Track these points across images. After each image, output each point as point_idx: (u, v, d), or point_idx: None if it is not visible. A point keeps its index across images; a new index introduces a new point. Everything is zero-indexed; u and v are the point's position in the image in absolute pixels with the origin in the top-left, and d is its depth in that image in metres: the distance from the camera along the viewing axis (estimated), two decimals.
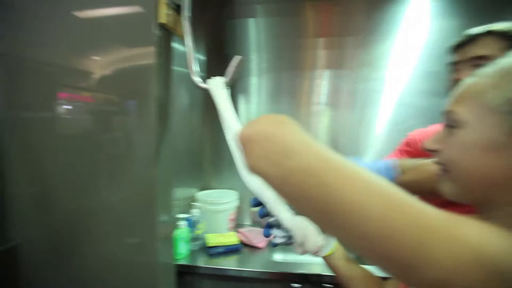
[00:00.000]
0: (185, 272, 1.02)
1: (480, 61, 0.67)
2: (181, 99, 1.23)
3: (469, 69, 0.69)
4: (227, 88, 0.67)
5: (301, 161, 0.27)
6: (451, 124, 0.36)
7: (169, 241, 0.85)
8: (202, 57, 1.45)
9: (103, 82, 0.76)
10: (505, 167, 0.31)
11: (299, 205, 0.28)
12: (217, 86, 0.66)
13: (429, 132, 0.84)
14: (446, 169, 0.37)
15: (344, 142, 1.47)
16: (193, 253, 1.10)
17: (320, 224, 0.28)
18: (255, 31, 1.50)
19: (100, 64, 0.76)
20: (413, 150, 0.89)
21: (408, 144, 0.92)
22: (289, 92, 1.50)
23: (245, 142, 0.31)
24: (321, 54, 1.47)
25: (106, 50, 0.75)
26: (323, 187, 0.26)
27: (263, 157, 0.29)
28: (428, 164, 0.58)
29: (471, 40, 0.69)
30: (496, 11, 1.34)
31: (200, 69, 0.73)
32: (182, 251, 1.04)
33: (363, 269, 0.60)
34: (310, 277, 0.98)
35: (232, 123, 0.56)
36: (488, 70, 0.35)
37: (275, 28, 1.48)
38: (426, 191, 0.52)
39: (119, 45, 0.74)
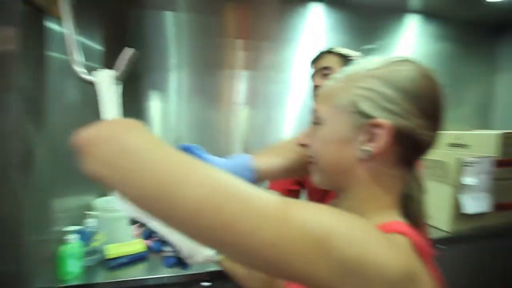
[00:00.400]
0: None
1: (325, 71, 0.92)
2: (68, 93, 1.05)
3: (320, 77, 0.93)
4: (118, 83, 0.59)
5: (140, 163, 0.27)
6: (316, 121, 0.42)
7: (49, 263, 0.72)
8: (99, 47, 1.27)
9: None
10: (350, 158, 0.38)
11: (140, 206, 0.28)
12: (105, 80, 0.58)
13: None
14: (314, 160, 0.42)
15: (253, 142, 1.54)
16: (89, 270, 0.97)
17: (164, 222, 0.28)
18: (174, 25, 1.40)
19: None
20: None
21: None
22: (206, 91, 1.48)
23: (84, 144, 0.29)
24: (239, 55, 1.50)
25: None
26: (161, 185, 0.26)
27: (102, 160, 0.28)
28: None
29: (319, 56, 0.95)
30: (368, 32, 1.63)
31: (98, 61, 0.63)
32: (73, 270, 0.90)
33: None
34: (220, 273, 0.99)
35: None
36: (339, 75, 0.41)
37: (195, 25, 1.43)
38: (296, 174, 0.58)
39: None
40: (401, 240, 0.33)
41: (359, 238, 0.28)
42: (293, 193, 1.06)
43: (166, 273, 0.96)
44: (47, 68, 0.73)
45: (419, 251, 0.33)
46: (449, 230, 1.31)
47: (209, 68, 1.47)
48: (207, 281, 0.98)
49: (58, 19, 0.69)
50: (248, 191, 0.27)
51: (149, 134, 0.29)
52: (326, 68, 0.92)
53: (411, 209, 0.42)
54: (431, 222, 1.39)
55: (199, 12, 1.43)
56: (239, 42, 1.49)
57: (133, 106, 1.37)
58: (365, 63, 0.40)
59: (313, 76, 0.96)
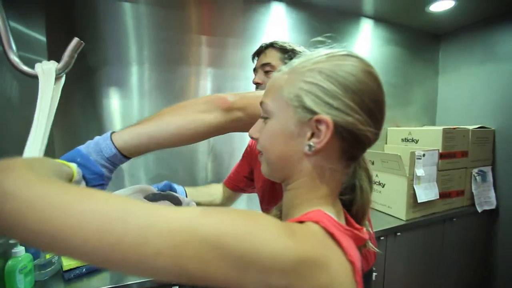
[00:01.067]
0: None
1: (266, 67, 0.85)
2: (6, 87, 0.93)
3: (261, 73, 0.87)
4: (62, 76, 0.54)
5: (15, 202, 0.25)
6: (264, 114, 0.42)
7: None
8: (40, 38, 1.15)
9: None
10: (296, 151, 0.38)
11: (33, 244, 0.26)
12: (47, 73, 0.53)
13: None
14: (262, 153, 0.43)
15: (218, 139, 1.52)
16: (42, 284, 0.87)
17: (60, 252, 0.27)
18: (133, 18, 1.32)
19: None
20: (248, 158, 1.03)
21: (246, 150, 1.06)
22: (169, 88, 1.41)
23: None
24: (204, 51, 1.46)
25: None
26: (39, 222, 0.25)
27: None
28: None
29: (260, 51, 0.89)
30: (332, 33, 1.73)
31: (39, 53, 0.56)
32: (21, 286, 0.80)
33: None
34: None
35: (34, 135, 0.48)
36: (286, 68, 0.41)
37: (157, 18, 1.35)
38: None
39: None
40: (313, 227, 0.34)
41: (251, 232, 0.28)
42: (242, 190, 1.06)
43: (133, 280, 0.90)
44: None
45: (333, 236, 0.34)
46: (405, 218, 1.43)
47: (171, 64, 1.41)
48: (175, 285, 0.94)
49: None
50: (130, 207, 0.27)
51: (27, 170, 0.28)
52: (267, 64, 0.85)
53: (358, 198, 0.43)
54: (390, 211, 1.51)
55: (161, 6, 1.37)
56: (203, 38, 1.46)
57: (89, 102, 1.26)
58: (310, 55, 0.39)
59: (254, 72, 0.91)
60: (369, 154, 1.59)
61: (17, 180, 0.26)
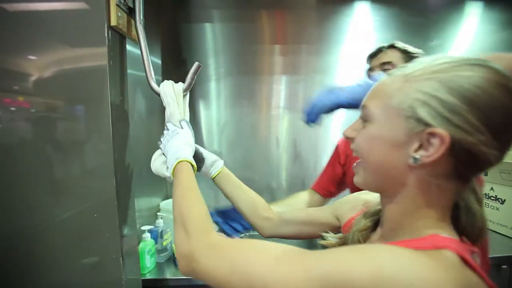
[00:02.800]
0: (153, 287, 0.97)
1: (387, 65, 0.88)
2: (138, 104, 1.17)
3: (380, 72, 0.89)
4: (185, 95, 0.66)
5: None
6: (365, 118, 0.40)
7: (134, 256, 0.80)
8: (157, 61, 1.40)
9: (46, 86, 0.69)
10: (400, 163, 0.35)
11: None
12: (175, 93, 0.65)
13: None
14: (358, 155, 0.41)
15: (303, 144, 1.53)
16: (160, 266, 1.05)
17: None
18: (211, 36, 1.49)
19: (41, 66, 0.68)
20: (339, 154, 1.03)
21: (336, 151, 1.05)
22: (247, 97, 1.52)
23: None
24: (278, 60, 1.52)
25: (49, 50, 0.68)
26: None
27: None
28: None
29: (380, 51, 0.92)
30: (423, 28, 1.54)
31: (155, 72, 0.71)
32: (148, 265, 0.99)
33: (250, 194, 0.71)
34: None
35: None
36: (397, 72, 0.38)
37: (232, 34, 1.49)
38: None
39: (64, 45, 0.68)
40: (448, 256, 0.31)
41: (379, 279, 0.28)
42: (332, 195, 1.04)
43: None
44: (127, 83, 0.82)
45: (469, 264, 0.31)
46: None
47: (246, 75, 1.51)
48: None
49: (134, 41, 0.78)
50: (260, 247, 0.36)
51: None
52: (387, 63, 0.87)
53: (467, 222, 0.38)
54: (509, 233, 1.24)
55: (235, 22, 1.48)
56: (278, 48, 1.51)
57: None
58: (427, 62, 0.36)
59: (369, 72, 0.92)
60: None
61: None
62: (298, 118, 1.56)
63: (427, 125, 0.33)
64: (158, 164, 0.66)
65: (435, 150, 0.32)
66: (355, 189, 0.93)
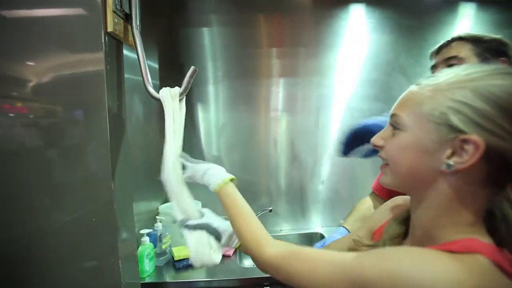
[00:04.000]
0: None
1: (453, 60, 0.76)
2: (135, 108, 1.18)
3: (445, 68, 0.74)
4: (181, 99, 0.67)
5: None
6: (394, 125, 0.41)
7: (133, 260, 0.80)
8: (154, 65, 1.41)
9: (44, 91, 0.69)
10: (431, 168, 0.37)
11: None
12: (171, 97, 0.66)
13: None
14: (387, 162, 0.42)
15: (301, 145, 1.54)
16: (159, 269, 1.05)
17: None
18: (209, 40, 1.50)
19: (39, 71, 0.69)
20: None
21: None
22: (245, 100, 1.53)
23: None
24: (275, 63, 1.53)
25: (45, 55, 0.69)
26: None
27: None
28: None
29: (446, 45, 0.81)
30: (417, 30, 1.56)
31: (152, 77, 0.72)
32: (147, 269, 0.99)
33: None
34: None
35: (170, 141, 0.61)
36: (428, 82, 0.39)
37: (230, 38, 1.51)
38: None
39: (61, 50, 0.69)
40: (479, 259, 0.31)
41: (418, 281, 0.30)
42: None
43: (228, 276, 1.00)
44: (124, 88, 0.83)
45: (502, 269, 0.31)
46: None
47: (244, 78, 1.52)
48: (268, 285, 0.99)
49: (131, 47, 0.79)
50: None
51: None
52: (454, 57, 0.76)
53: (507, 232, 0.38)
54: None
55: (232, 26, 1.49)
56: (275, 51, 1.52)
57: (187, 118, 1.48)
58: (457, 72, 0.37)
59: (433, 69, 0.83)
60: None
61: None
62: (296, 120, 1.59)
63: (460, 131, 0.34)
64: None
65: (469, 157, 0.33)
66: None
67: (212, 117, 1.52)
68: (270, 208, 1.40)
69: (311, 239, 1.48)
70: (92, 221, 0.69)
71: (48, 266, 0.70)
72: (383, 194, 0.90)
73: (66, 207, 0.70)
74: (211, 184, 0.59)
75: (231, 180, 0.59)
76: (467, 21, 1.61)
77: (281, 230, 1.53)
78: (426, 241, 0.39)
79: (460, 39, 0.78)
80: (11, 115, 0.70)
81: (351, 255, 0.38)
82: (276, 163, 1.54)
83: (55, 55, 0.69)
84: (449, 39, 0.81)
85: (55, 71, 0.69)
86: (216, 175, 0.59)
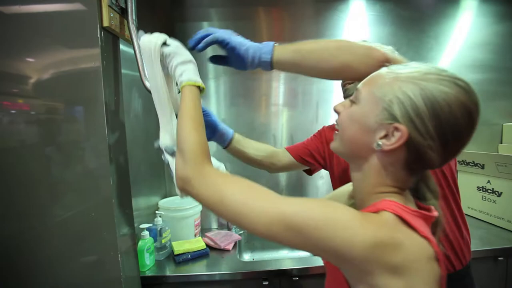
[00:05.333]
0: (152, 284, 0.98)
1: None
2: (134, 103, 1.17)
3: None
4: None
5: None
6: (354, 98, 0.46)
7: (133, 254, 0.81)
8: None
9: (40, 87, 0.69)
10: (366, 144, 0.42)
11: None
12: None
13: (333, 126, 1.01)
14: (338, 127, 0.47)
15: (301, 140, 1.53)
16: (160, 263, 1.07)
17: None
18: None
19: (35, 67, 0.69)
20: (322, 137, 1.05)
21: (319, 132, 1.07)
22: (245, 94, 1.52)
23: None
24: None
25: (41, 51, 0.69)
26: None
27: None
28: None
29: None
30: (418, 22, 1.55)
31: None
32: (148, 263, 1.00)
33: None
34: (279, 272, 1.01)
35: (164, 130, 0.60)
36: (394, 69, 0.43)
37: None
38: None
39: (57, 46, 0.68)
40: (385, 215, 0.38)
41: (327, 224, 0.35)
42: (305, 162, 1.04)
43: (227, 270, 1.01)
44: (122, 83, 0.83)
45: (403, 218, 0.37)
46: None
47: (244, 73, 1.51)
48: (268, 279, 1.00)
49: (127, 41, 0.79)
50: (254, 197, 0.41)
51: None
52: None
53: (424, 207, 0.44)
54: (510, 226, 1.25)
55: (232, 20, 1.48)
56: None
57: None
58: (420, 68, 0.41)
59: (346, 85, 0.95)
60: (480, 156, 1.35)
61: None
62: (296, 114, 1.58)
63: (396, 120, 0.39)
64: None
65: (395, 141, 0.39)
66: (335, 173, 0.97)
67: (212, 112, 1.52)
68: None
69: None
70: (91, 216, 0.70)
71: (48, 261, 0.71)
72: (293, 153, 1.02)
73: (66, 203, 0.71)
74: (182, 78, 0.54)
75: (200, 88, 0.55)
76: (469, 13, 1.59)
77: None
78: (359, 206, 0.46)
79: None
80: (9, 111, 0.70)
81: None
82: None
83: (51, 51, 0.69)
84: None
85: (51, 67, 0.69)
86: (191, 72, 0.55)
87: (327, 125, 1.07)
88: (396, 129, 0.39)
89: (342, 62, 0.55)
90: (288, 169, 1.04)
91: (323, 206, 0.37)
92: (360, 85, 0.45)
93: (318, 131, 1.08)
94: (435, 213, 0.42)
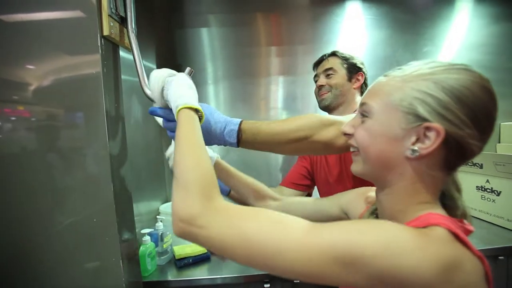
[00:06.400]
0: None
1: (329, 71, 1.03)
2: (134, 110, 1.19)
3: (323, 77, 1.05)
4: None
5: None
6: (364, 113, 0.43)
7: (135, 260, 0.81)
8: (152, 66, 1.42)
9: (41, 94, 0.70)
10: (397, 154, 0.39)
11: None
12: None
13: None
14: (356, 150, 0.44)
15: None
16: (161, 268, 1.07)
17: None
18: (207, 40, 1.51)
19: (36, 74, 0.70)
20: (306, 159, 1.13)
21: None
22: (245, 99, 1.54)
23: None
24: (274, 61, 1.54)
25: (42, 58, 0.70)
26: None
27: None
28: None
29: (323, 59, 1.08)
30: (414, 25, 1.57)
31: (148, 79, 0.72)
32: (149, 268, 1.00)
33: (249, 180, 0.74)
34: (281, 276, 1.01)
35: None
36: (396, 74, 0.42)
37: (228, 37, 1.51)
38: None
39: (58, 53, 0.70)
40: (438, 231, 0.34)
41: (387, 250, 0.30)
42: (301, 187, 1.09)
43: (229, 273, 1.01)
44: (122, 90, 0.84)
45: (457, 236, 0.34)
46: None
47: (243, 77, 1.52)
48: (269, 282, 1.01)
49: (127, 49, 0.80)
50: (275, 218, 0.35)
51: None
52: (330, 69, 1.02)
53: (450, 208, 0.43)
54: (509, 225, 1.25)
55: (230, 25, 1.50)
56: (273, 49, 1.53)
57: None
58: (423, 65, 0.40)
59: (317, 77, 1.08)
60: (478, 155, 1.36)
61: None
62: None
63: (424, 120, 0.37)
64: None
65: (431, 143, 0.37)
66: (322, 183, 1.00)
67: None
68: None
69: None
70: (93, 222, 0.71)
71: (50, 267, 0.72)
72: (291, 186, 1.09)
73: (67, 209, 0.71)
74: (178, 103, 0.50)
75: (197, 112, 0.50)
76: (464, 15, 1.61)
77: None
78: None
79: (334, 55, 1.05)
80: (10, 118, 0.71)
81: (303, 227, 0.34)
82: (275, 162, 1.55)
83: (51, 58, 0.70)
84: (325, 54, 1.08)
85: (52, 75, 0.70)
86: (190, 97, 0.51)
87: None
88: (428, 128, 0.37)
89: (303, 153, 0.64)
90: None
91: (373, 228, 0.32)
92: (365, 99, 0.43)
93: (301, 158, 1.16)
94: (472, 228, 0.40)
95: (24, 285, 0.72)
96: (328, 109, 1.07)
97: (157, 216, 1.19)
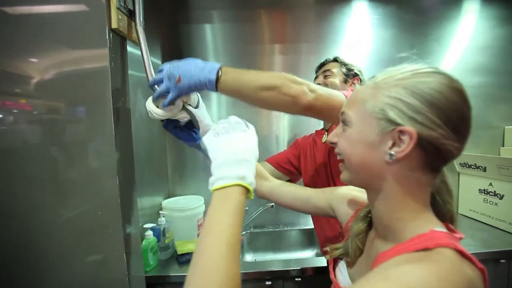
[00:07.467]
0: (155, 284, 0.98)
1: (327, 72, 1.09)
2: (139, 104, 1.18)
3: (321, 77, 1.11)
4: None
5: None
6: (344, 122, 0.45)
7: (137, 254, 0.81)
8: (157, 61, 1.42)
9: (50, 87, 0.70)
10: (377, 160, 0.40)
11: None
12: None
13: (307, 136, 1.18)
14: (342, 158, 0.46)
15: None
16: (163, 263, 1.07)
17: None
18: (211, 36, 1.50)
19: (43, 68, 0.70)
20: (297, 145, 1.17)
21: (294, 143, 1.19)
22: None
23: None
24: (277, 59, 1.53)
25: (50, 52, 0.69)
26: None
27: None
28: None
29: (325, 62, 1.14)
30: (420, 25, 1.56)
31: (155, 73, 0.72)
32: (151, 262, 1.00)
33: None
34: (282, 273, 1.02)
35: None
36: (369, 82, 0.43)
37: (232, 34, 1.51)
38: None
39: (67, 47, 0.69)
40: (448, 254, 0.34)
41: None
42: (283, 170, 1.13)
43: None
44: (128, 84, 0.84)
45: (464, 255, 0.34)
46: None
47: None
48: (270, 280, 1.01)
49: (135, 43, 0.80)
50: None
51: None
52: (327, 70, 1.09)
53: (441, 211, 0.44)
54: (511, 229, 1.25)
55: (234, 22, 1.49)
56: (277, 47, 1.52)
57: None
58: (394, 71, 0.41)
59: (317, 78, 1.13)
60: (481, 158, 1.36)
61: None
62: (298, 116, 1.58)
63: (397, 124, 0.38)
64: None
65: (406, 145, 0.38)
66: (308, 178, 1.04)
67: (214, 114, 1.53)
68: (271, 204, 1.41)
69: (312, 235, 1.49)
70: (97, 215, 0.71)
71: (54, 260, 0.72)
72: (272, 163, 1.13)
73: (72, 202, 0.71)
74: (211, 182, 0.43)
75: (247, 189, 0.41)
76: (471, 17, 1.60)
77: (282, 226, 1.54)
78: (390, 235, 0.42)
79: (335, 60, 1.12)
80: (16, 111, 0.71)
81: None
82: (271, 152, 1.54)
83: (60, 51, 0.70)
84: (327, 59, 1.14)
85: (60, 68, 0.70)
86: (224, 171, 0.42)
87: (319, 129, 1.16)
88: (401, 132, 0.38)
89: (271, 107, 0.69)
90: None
91: (399, 285, 0.30)
92: (343, 108, 0.45)
93: (293, 142, 1.20)
94: (462, 235, 0.40)
95: (28, 278, 0.72)
96: None
97: (160, 211, 1.19)
